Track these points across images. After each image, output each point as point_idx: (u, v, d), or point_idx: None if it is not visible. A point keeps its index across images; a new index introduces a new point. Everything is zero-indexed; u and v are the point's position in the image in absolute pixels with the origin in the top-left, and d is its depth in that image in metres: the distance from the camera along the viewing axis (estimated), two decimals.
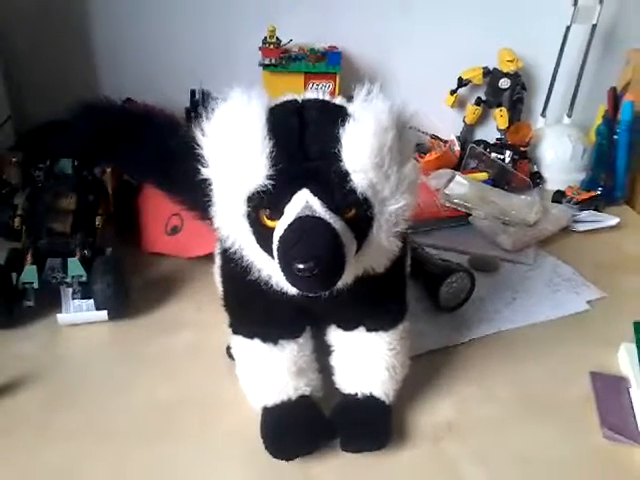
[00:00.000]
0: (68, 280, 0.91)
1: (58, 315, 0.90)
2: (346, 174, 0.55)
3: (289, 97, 0.61)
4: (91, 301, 0.90)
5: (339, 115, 0.56)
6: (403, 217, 0.60)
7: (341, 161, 0.55)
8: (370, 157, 0.54)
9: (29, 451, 0.70)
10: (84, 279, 0.91)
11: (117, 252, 0.98)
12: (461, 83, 1.51)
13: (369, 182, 0.55)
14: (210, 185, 0.61)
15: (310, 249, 0.52)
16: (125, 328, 0.92)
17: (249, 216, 0.58)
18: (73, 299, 0.91)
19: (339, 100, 0.60)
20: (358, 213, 0.56)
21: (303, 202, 0.54)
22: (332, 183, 0.55)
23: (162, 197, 0.92)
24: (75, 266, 0.91)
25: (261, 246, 0.59)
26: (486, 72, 1.50)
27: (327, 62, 1.37)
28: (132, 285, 0.96)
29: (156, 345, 0.88)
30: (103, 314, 0.90)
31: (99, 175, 1.09)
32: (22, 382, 0.80)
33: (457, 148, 1.51)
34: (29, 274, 0.89)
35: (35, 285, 0.89)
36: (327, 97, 0.61)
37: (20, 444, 0.71)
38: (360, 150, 0.54)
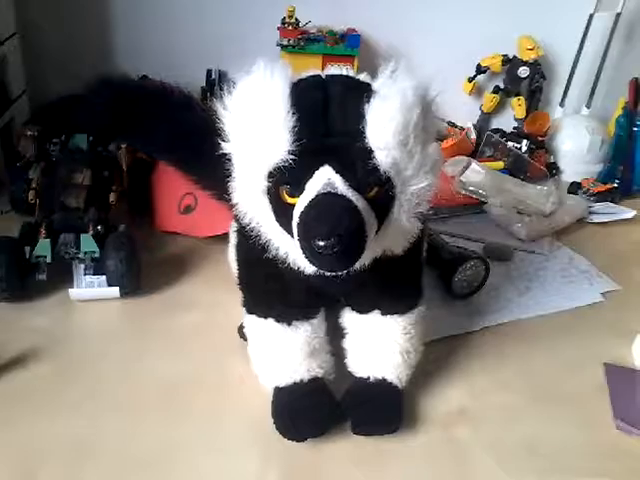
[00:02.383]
0: (81, 256, 0.91)
1: (70, 290, 0.89)
2: (370, 151, 0.54)
3: (312, 72, 0.60)
4: (103, 277, 0.90)
5: (364, 91, 0.55)
6: (425, 198, 0.59)
7: (365, 138, 0.53)
8: (394, 135, 0.53)
9: (40, 420, 0.70)
10: (97, 255, 0.91)
11: (130, 229, 0.97)
12: (480, 70, 1.50)
13: (392, 160, 0.54)
14: (230, 160, 0.60)
15: (331, 227, 0.51)
16: (136, 305, 0.91)
17: (269, 192, 0.57)
18: (85, 275, 0.91)
19: (364, 76, 0.59)
20: (380, 192, 0.55)
21: (325, 179, 0.53)
22: (355, 160, 0.54)
23: (176, 175, 0.92)
24: (88, 242, 0.91)
25: (280, 223, 0.58)
26: (505, 60, 1.48)
27: (346, 44, 1.36)
28: (144, 263, 0.95)
29: (167, 322, 0.88)
30: (115, 290, 0.90)
31: (114, 151, 1.09)
32: (34, 354, 0.80)
33: (473, 136, 1.49)
34: (42, 248, 0.89)
35: (48, 259, 0.89)
36: (351, 73, 0.60)
37: (31, 413, 0.71)
38: (385, 127, 0.53)
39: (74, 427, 0.70)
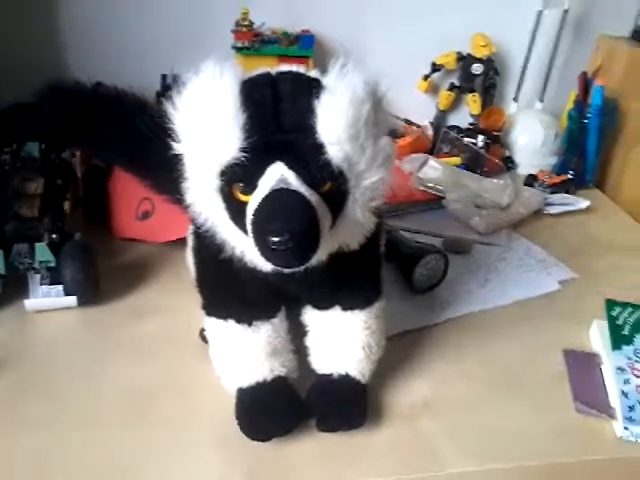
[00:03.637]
0: (36, 265, 0.89)
1: (25, 301, 0.87)
2: (321, 146, 0.54)
3: (262, 70, 0.60)
4: (60, 287, 0.88)
5: (313, 87, 0.55)
6: (379, 192, 0.59)
7: (316, 133, 0.54)
8: (345, 129, 0.54)
9: (0, 439, 0.68)
10: (52, 264, 0.89)
11: (87, 237, 0.95)
12: (434, 68, 1.51)
13: (344, 155, 0.54)
14: (182, 161, 0.60)
15: (285, 222, 0.52)
16: (95, 314, 0.90)
17: (222, 190, 0.57)
18: (41, 285, 0.89)
19: (313, 72, 0.59)
20: (333, 187, 0.56)
21: (278, 175, 0.53)
22: (307, 156, 0.54)
23: (133, 181, 0.91)
24: (43, 251, 0.88)
25: (235, 222, 0.58)
26: (459, 57, 1.50)
27: (300, 45, 1.36)
28: (102, 271, 0.93)
29: (127, 330, 0.86)
30: (72, 300, 0.88)
31: (68, 159, 1.06)
32: None
33: (430, 133, 1.51)
34: None
35: (1, 271, 0.87)
36: (302, 70, 0.60)
37: None
38: (335, 122, 0.53)
39: (35, 442, 0.68)
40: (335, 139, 0.54)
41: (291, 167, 0.54)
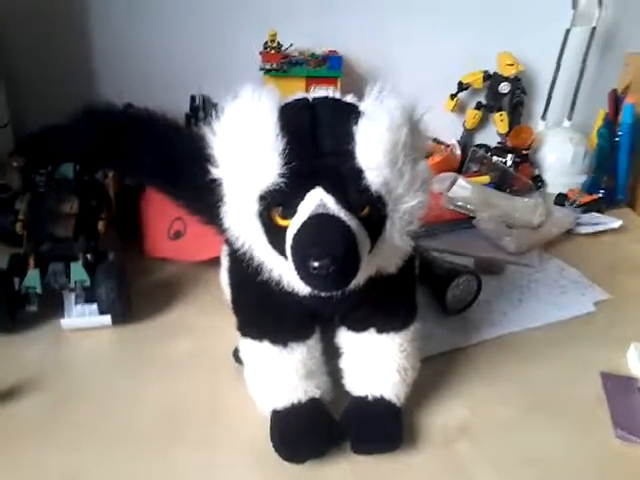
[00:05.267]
0: (71, 285, 0.90)
1: (61, 320, 0.89)
2: (360, 171, 0.54)
3: (299, 95, 0.61)
4: (94, 306, 0.89)
5: (351, 112, 0.56)
6: (416, 215, 0.59)
7: (355, 158, 0.54)
8: (384, 154, 0.54)
9: (33, 458, 0.69)
10: (87, 284, 0.90)
11: (120, 256, 0.96)
12: (461, 87, 1.52)
13: (383, 180, 0.55)
14: (220, 185, 0.60)
15: (325, 247, 0.52)
16: (129, 333, 0.91)
17: (261, 215, 0.57)
18: (76, 304, 0.90)
19: (350, 98, 0.60)
20: (372, 211, 0.56)
21: (317, 200, 0.54)
22: (346, 181, 0.54)
23: (165, 201, 0.92)
24: (78, 271, 0.90)
25: (273, 245, 0.58)
26: (486, 76, 1.50)
27: (328, 66, 1.37)
28: (135, 290, 0.95)
29: (160, 350, 0.87)
30: (107, 319, 0.89)
31: (101, 179, 1.08)
32: (26, 388, 0.78)
33: (458, 152, 1.51)
34: (32, 279, 0.88)
35: (38, 290, 0.88)
36: (337, 95, 0.60)
37: (24, 450, 0.70)
38: (374, 147, 0.54)
39: (67, 461, 0.68)
40: (374, 164, 0.54)
41: (330, 192, 0.54)
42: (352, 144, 0.54)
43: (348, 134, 0.54)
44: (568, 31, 1.47)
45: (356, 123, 0.54)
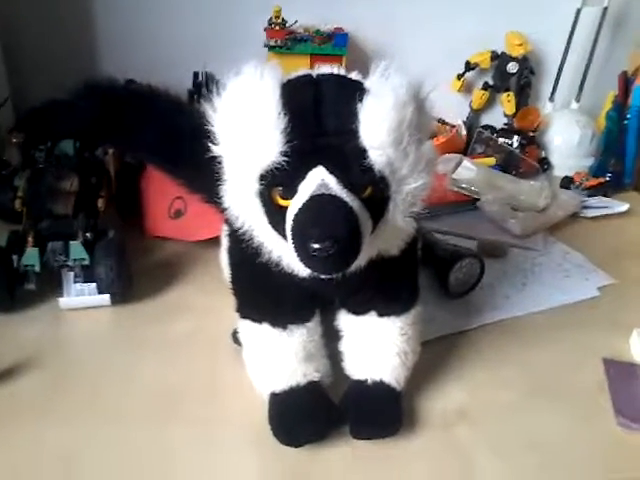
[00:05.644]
0: (70, 263, 0.89)
1: (60, 299, 0.88)
2: (363, 151, 0.53)
3: (302, 72, 0.59)
4: (93, 285, 0.88)
5: (356, 90, 0.54)
6: (420, 197, 0.58)
7: (358, 137, 0.53)
8: (388, 133, 0.52)
9: (31, 436, 0.68)
10: (86, 262, 0.89)
11: (120, 235, 0.95)
12: (468, 67, 1.49)
13: (387, 159, 0.53)
14: (220, 163, 0.59)
15: (326, 228, 0.51)
16: (128, 312, 0.90)
17: (261, 195, 0.56)
18: (75, 283, 0.89)
19: (355, 75, 0.58)
20: (375, 192, 0.54)
21: (318, 180, 0.52)
22: (349, 160, 0.53)
23: (165, 180, 0.90)
24: (77, 249, 0.89)
25: (273, 226, 0.57)
26: (494, 56, 1.47)
27: (333, 44, 1.34)
28: (135, 269, 0.94)
29: (159, 329, 0.86)
30: (106, 298, 0.88)
31: (101, 156, 1.07)
32: (24, 366, 0.78)
33: (464, 133, 1.49)
34: (30, 257, 0.87)
35: (37, 268, 0.87)
36: (342, 72, 0.59)
37: (22, 429, 0.69)
38: (378, 126, 0.52)
39: (65, 439, 0.68)
40: (378, 143, 0.53)
41: (332, 172, 0.53)
42: (356, 123, 0.52)
43: (352, 112, 0.53)
44: (579, 11, 1.44)
45: (360, 101, 0.53)
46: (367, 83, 0.56)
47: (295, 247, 0.53)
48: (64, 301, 0.88)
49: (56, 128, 1.05)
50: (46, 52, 1.38)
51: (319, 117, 0.54)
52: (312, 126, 0.54)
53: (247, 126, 0.54)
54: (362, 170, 0.53)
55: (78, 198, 0.96)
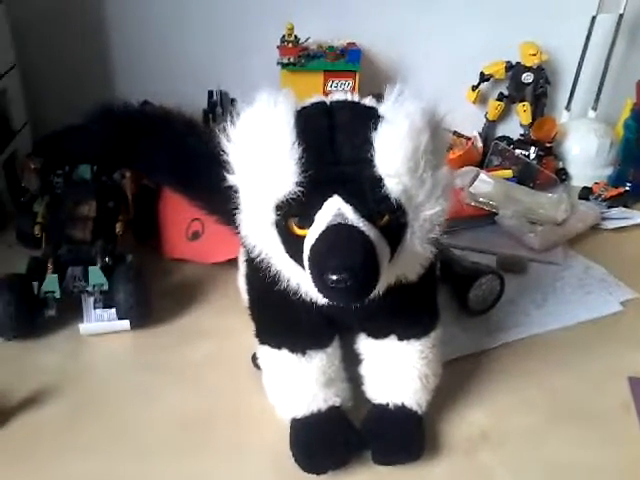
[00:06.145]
0: (89, 289, 0.89)
1: (80, 325, 0.88)
2: (379, 179, 0.52)
3: (316, 99, 0.59)
4: (113, 310, 0.89)
5: (370, 117, 0.54)
6: (438, 223, 0.57)
7: (374, 166, 0.52)
8: (404, 161, 0.52)
9: (54, 464, 0.69)
10: (105, 288, 0.89)
11: (138, 259, 0.96)
12: (483, 78, 1.48)
13: (403, 187, 0.53)
14: (236, 192, 0.59)
15: (344, 260, 0.50)
16: (148, 337, 0.90)
17: (278, 225, 0.56)
18: (95, 308, 0.89)
19: (369, 101, 0.58)
20: (392, 220, 0.54)
21: (335, 209, 0.52)
22: (365, 189, 0.53)
23: (182, 202, 0.91)
24: (96, 275, 0.89)
25: (291, 255, 0.57)
26: (508, 66, 1.46)
27: (346, 60, 1.34)
28: (153, 292, 0.94)
29: (180, 354, 0.86)
30: (125, 323, 0.89)
31: (118, 180, 1.07)
32: (45, 393, 0.78)
33: (480, 145, 1.48)
34: (50, 283, 0.87)
35: (57, 294, 0.88)
36: (356, 98, 0.59)
37: (45, 457, 0.70)
38: (394, 154, 0.52)
39: (88, 469, 0.68)
40: (394, 172, 0.52)
41: (348, 201, 0.52)
42: (371, 151, 0.52)
43: (367, 140, 0.52)
44: (594, 18, 1.42)
45: (375, 129, 0.53)
46: (381, 109, 0.55)
47: (313, 277, 0.53)
48: (84, 327, 0.88)
49: (73, 152, 1.06)
50: (62, 76, 1.40)
51: (334, 146, 0.54)
52: (327, 155, 0.53)
53: (262, 156, 0.54)
54: (378, 199, 0.53)
55: (96, 223, 0.96)
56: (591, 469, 0.70)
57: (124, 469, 0.69)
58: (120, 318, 0.88)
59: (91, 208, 0.97)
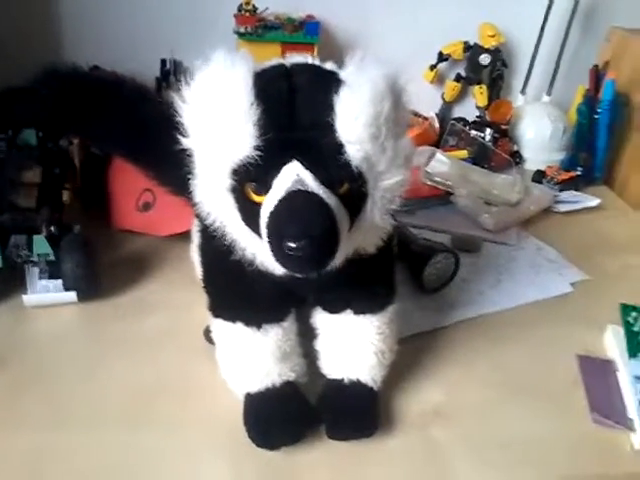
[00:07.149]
0: (34, 259, 0.86)
1: (24, 296, 0.84)
2: (340, 145, 0.51)
3: (275, 61, 0.57)
4: (59, 281, 0.85)
5: (331, 81, 0.52)
6: (398, 193, 0.56)
7: (335, 131, 0.50)
8: (366, 127, 0.50)
9: None
10: (51, 257, 0.85)
11: (86, 229, 0.92)
12: (441, 58, 1.48)
13: (364, 155, 0.51)
14: (190, 157, 0.56)
15: (303, 227, 0.49)
16: (95, 309, 0.87)
17: (234, 190, 0.54)
18: (40, 279, 0.85)
19: (330, 65, 0.56)
20: (352, 188, 0.53)
21: (294, 175, 0.50)
22: (325, 155, 0.51)
23: (133, 171, 0.87)
24: (41, 244, 0.85)
25: (247, 223, 0.55)
26: (467, 47, 1.46)
27: (305, 32, 1.32)
28: (102, 264, 0.90)
29: (128, 327, 0.83)
30: (72, 295, 0.85)
31: (65, 147, 1.03)
32: None
33: (436, 125, 1.48)
34: None
35: None
36: (317, 62, 0.57)
37: None
38: (356, 120, 0.50)
39: (32, 442, 0.65)
40: (355, 138, 0.51)
41: (308, 167, 0.51)
42: (332, 116, 0.50)
43: (328, 105, 0.51)
44: (551, 3, 1.44)
45: (337, 93, 0.51)
46: (343, 74, 0.54)
47: (270, 245, 0.51)
48: (28, 298, 0.84)
49: (17, 116, 1.01)
50: (8, 38, 1.33)
51: (294, 109, 0.52)
52: (286, 118, 0.51)
53: (218, 118, 0.51)
54: (339, 166, 0.51)
55: (41, 190, 0.92)
56: (542, 443, 0.71)
57: (66, 442, 0.66)
58: (67, 289, 0.85)
59: (35, 174, 0.93)
